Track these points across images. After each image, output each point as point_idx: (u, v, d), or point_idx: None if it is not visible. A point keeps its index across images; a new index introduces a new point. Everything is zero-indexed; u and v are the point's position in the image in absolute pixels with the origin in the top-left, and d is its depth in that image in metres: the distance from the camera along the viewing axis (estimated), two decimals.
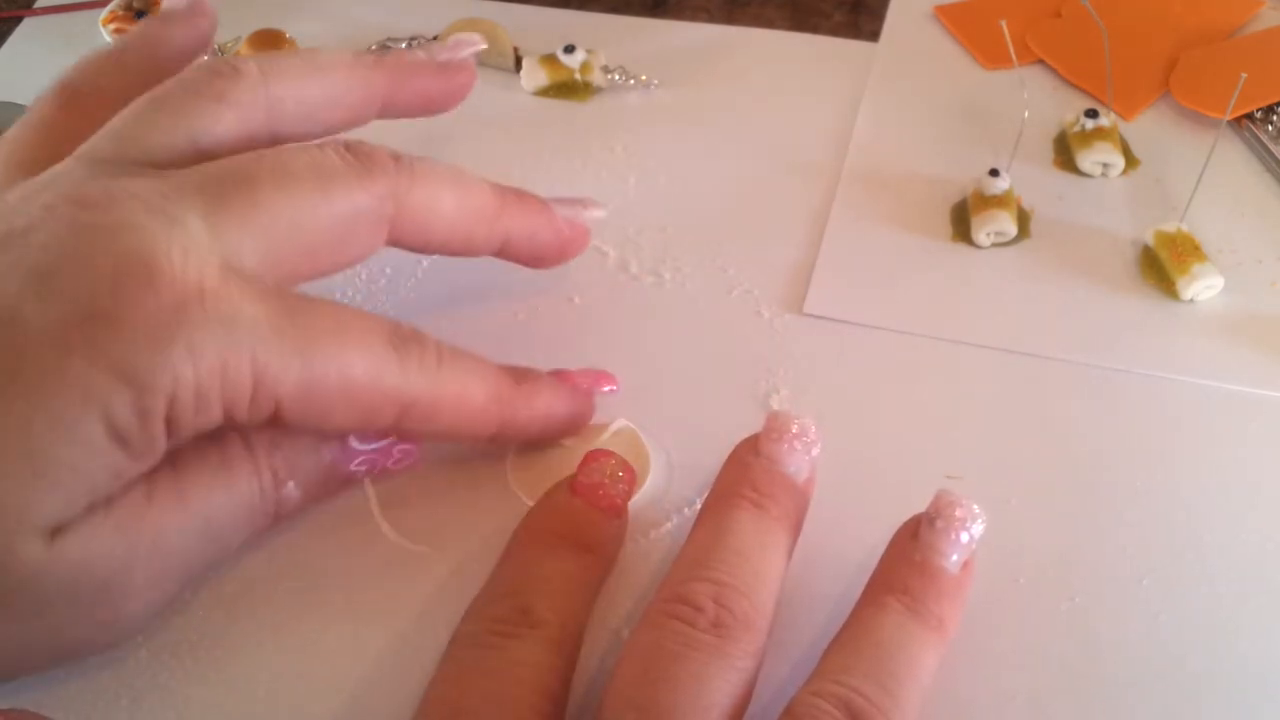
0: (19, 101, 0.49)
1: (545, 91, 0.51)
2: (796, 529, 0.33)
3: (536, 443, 0.37)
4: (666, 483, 0.37)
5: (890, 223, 0.45)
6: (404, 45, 0.53)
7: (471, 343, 0.40)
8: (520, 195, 0.38)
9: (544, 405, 0.36)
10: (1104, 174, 0.47)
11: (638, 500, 0.36)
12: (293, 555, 0.35)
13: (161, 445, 0.29)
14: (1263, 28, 0.54)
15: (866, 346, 0.41)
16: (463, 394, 0.33)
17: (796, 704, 0.28)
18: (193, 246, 0.30)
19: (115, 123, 0.33)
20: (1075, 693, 0.33)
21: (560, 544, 0.33)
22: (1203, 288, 0.42)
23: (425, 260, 0.43)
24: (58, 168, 0.32)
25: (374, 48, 0.52)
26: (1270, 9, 0.54)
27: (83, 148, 0.33)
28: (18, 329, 0.28)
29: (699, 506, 0.36)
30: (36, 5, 0.55)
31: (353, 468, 0.35)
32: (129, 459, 0.29)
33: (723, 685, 0.28)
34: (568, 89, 0.50)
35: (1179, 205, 0.46)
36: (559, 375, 0.37)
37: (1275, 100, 0.49)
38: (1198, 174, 0.44)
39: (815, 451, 0.33)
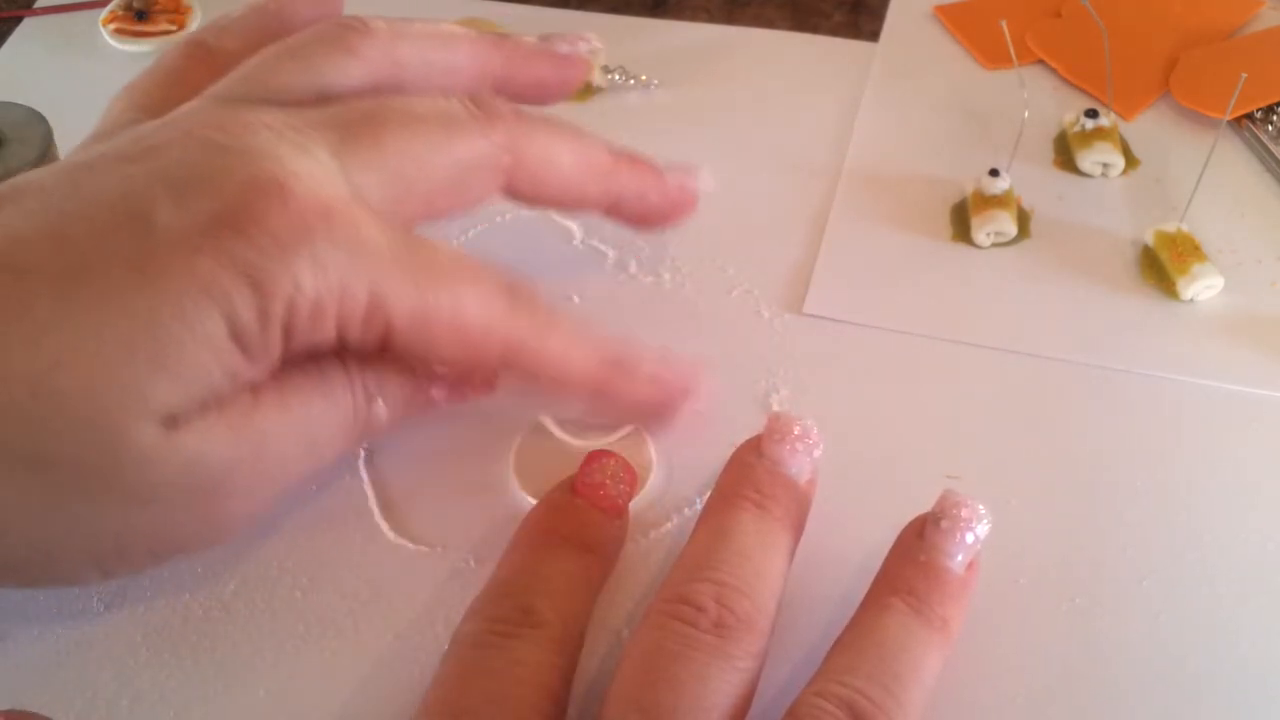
0: (19, 101, 0.49)
1: None
2: (799, 530, 0.33)
3: (622, 420, 0.37)
4: (666, 483, 0.37)
5: (890, 223, 0.45)
6: None
7: None
8: (634, 157, 0.39)
9: (641, 391, 0.36)
10: (1104, 174, 0.47)
11: (638, 503, 0.36)
12: (293, 555, 0.35)
13: (277, 352, 0.30)
14: (1263, 28, 0.54)
15: (866, 346, 0.41)
16: (568, 351, 0.34)
17: (799, 705, 0.28)
18: (321, 173, 0.31)
19: (245, 66, 0.35)
20: (1075, 693, 0.33)
21: (561, 544, 0.33)
22: (1203, 288, 0.42)
23: None
24: (187, 105, 0.33)
25: None
26: (1270, 9, 0.54)
27: (212, 88, 0.34)
28: (152, 228, 0.29)
29: (699, 507, 0.36)
30: (36, 5, 0.55)
31: (434, 392, 0.35)
32: (246, 360, 0.29)
33: (724, 686, 0.28)
34: None
35: (1179, 205, 0.46)
36: (661, 360, 0.37)
37: (1275, 100, 0.49)
38: (1198, 174, 0.44)
39: (817, 453, 0.33)
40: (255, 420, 0.31)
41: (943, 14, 0.55)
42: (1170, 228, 0.44)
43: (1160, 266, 0.43)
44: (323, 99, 0.34)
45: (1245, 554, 0.36)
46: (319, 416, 0.32)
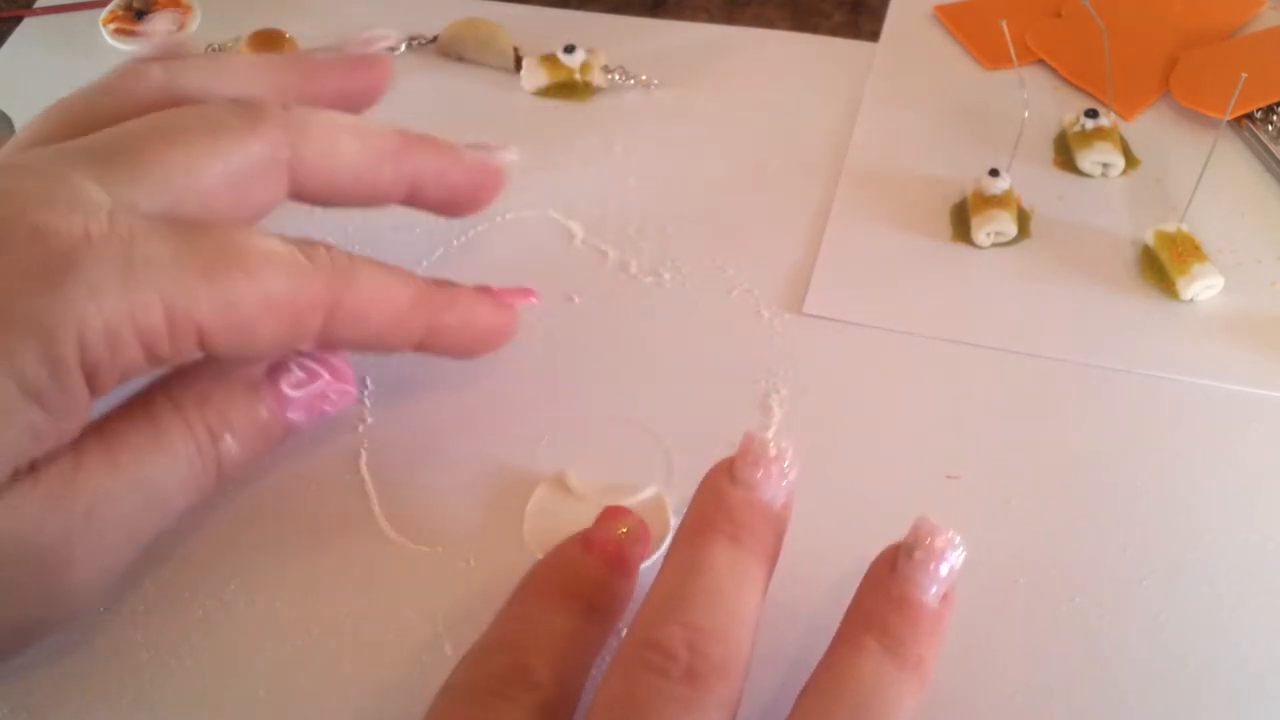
0: (18, 101, 0.49)
1: (545, 91, 0.51)
2: (773, 560, 0.31)
3: (462, 352, 0.36)
4: (666, 489, 0.37)
5: (890, 223, 0.45)
6: (403, 46, 0.53)
7: None
8: (425, 137, 0.37)
9: (466, 308, 0.35)
10: (1104, 174, 0.47)
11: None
12: (293, 555, 0.35)
13: (83, 398, 0.29)
14: (1263, 28, 0.53)
15: (866, 346, 0.41)
16: (385, 292, 0.33)
17: None
18: (79, 199, 0.29)
19: (30, 122, 0.34)
20: (1075, 693, 0.33)
21: (567, 601, 0.31)
22: (1203, 288, 0.42)
23: (425, 260, 0.43)
24: None
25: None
26: (1270, 9, 0.54)
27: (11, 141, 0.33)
28: None
29: None
30: (36, 5, 0.55)
31: (290, 415, 0.34)
32: (48, 417, 0.28)
33: None
34: (568, 89, 0.50)
35: (1179, 205, 0.46)
36: (480, 289, 0.37)
37: (1275, 100, 0.49)
38: (1198, 174, 0.44)
39: (793, 475, 0.32)
40: (79, 483, 0.29)
41: (943, 14, 0.55)
42: (1170, 228, 0.44)
43: (1160, 266, 0.43)
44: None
45: (1245, 554, 0.36)
46: (156, 469, 0.31)
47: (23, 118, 0.43)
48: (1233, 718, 0.32)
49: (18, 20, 0.54)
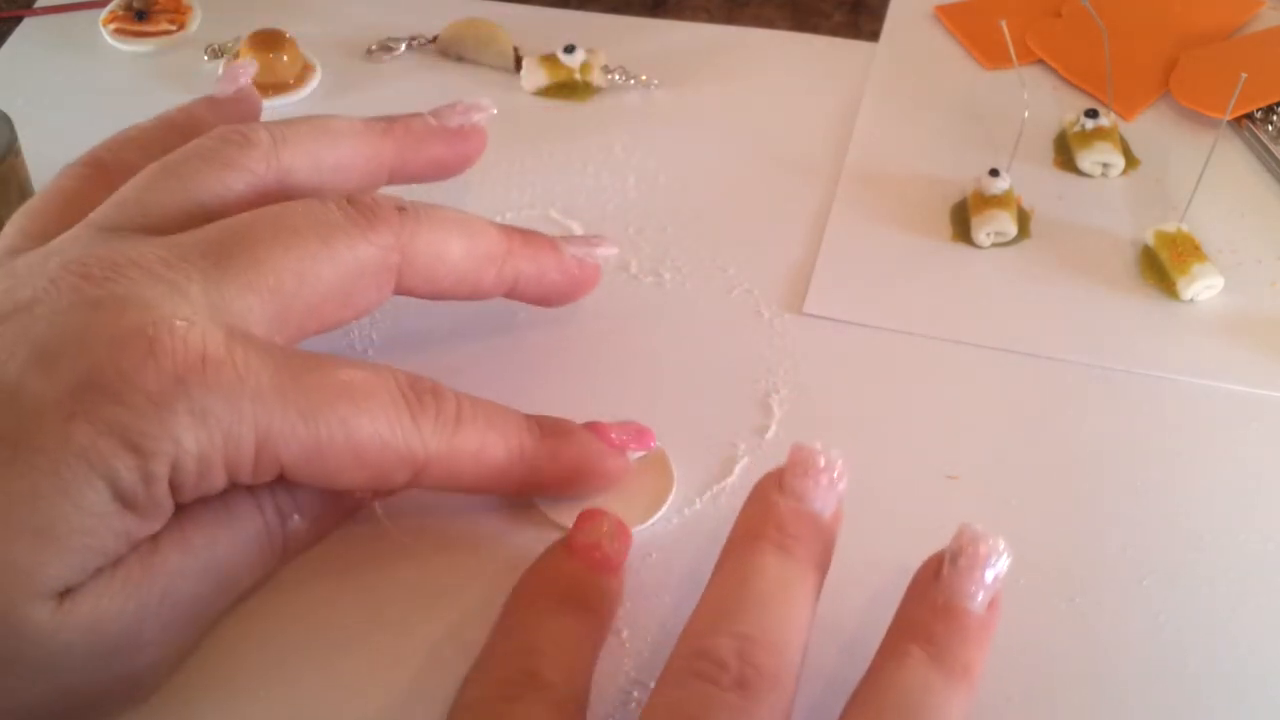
0: (18, 101, 0.49)
1: (545, 91, 0.51)
2: (823, 570, 0.31)
3: (567, 494, 0.36)
4: (667, 483, 0.37)
5: (890, 223, 0.45)
6: (403, 46, 0.53)
7: (472, 345, 0.41)
8: (528, 235, 0.38)
9: (572, 461, 0.35)
10: (1104, 174, 0.47)
11: (657, 522, 0.36)
12: (296, 557, 0.35)
13: (169, 507, 0.29)
14: (1263, 28, 0.54)
15: (866, 346, 0.41)
16: (482, 451, 0.33)
17: None
18: (196, 314, 0.30)
19: (124, 189, 0.34)
20: (1075, 692, 0.32)
21: (560, 604, 0.32)
22: (1203, 288, 0.42)
23: None
24: (65, 235, 0.33)
25: (374, 48, 0.52)
26: (1270, 9, 0.54)
27: (91, 215, 0.33)
28: (23, 401, 0.28)
29: (699, 507, 0.36)
30: (36, 5, 0.55)
31: (358, 494, 0.34)
32: (138, 521, 0.29)
33: None
34: (568, 89, 0.50)
35: (1179, 205, 0.46)
36: (594, 428, 0.36)
37: (1275, 100, 0.49)
38: (1198, 174, 0.44)
39: (842, 486, 0.32)
40: (155, 567, 0.30)
41: (943, 14, 0.55)
42: (1170, 228, 0.44)
43: (1160, 266, 0.43)
44: (206, 216, 0.33)
45: (1245, 554, 0.36)
46: (227, 549, 0.31)
47: (23, 118, 0.43)
48: (1233, 718, 0.32)
49: (18, 20, 0.54)
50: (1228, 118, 0.46)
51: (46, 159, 0.38)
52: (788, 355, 0.41)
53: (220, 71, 0.50)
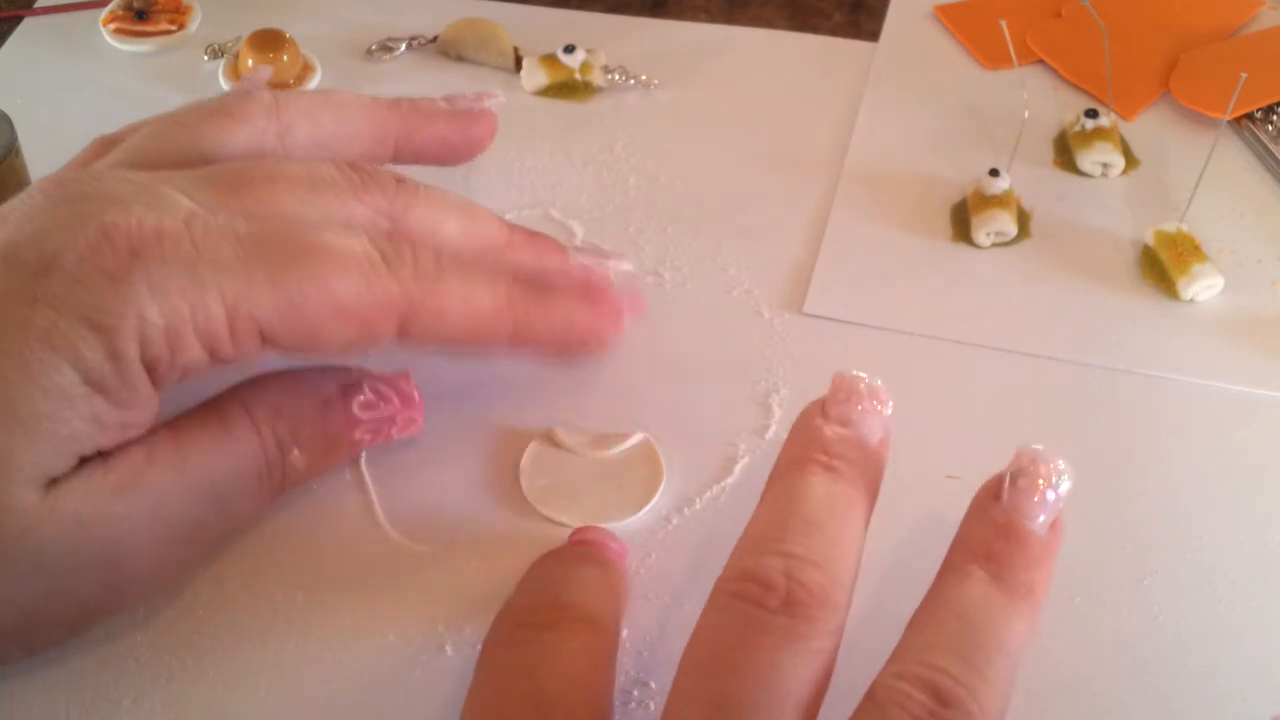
0: (18, 101, 0.49)
1: (545, 91, 0.51)
2: (873, 494, 0.30)
3: (555, 356, 0.36)
4: (667, 483, 0.37)
5: (890, 223, 0.45)
6: (403, 46, 0.53)
7: None
8: (532, 233, 0.38)
9: (561, 313, 0.34)
10: (1104, 174, 0.47)
11: (647, 512, 0.36)
12: (294, 555, 0.35)
13: (146, 390, 0.29)
14: (1263, 28, 0.54)
15: (866, 346, 0.41)
16: (467, 299, 0.32)
17: (877, 687, 0.26)
18: (159, 203, 0.30)
19: (130, 138, 0.34)
20: (1075, 693, 0.33)
21: (579, 561, 0.32)
22: (1203, 288, 0.42)
23: None
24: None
25: (374, 48, 0.52)
26: (1270, 9, 0.54)
27: (98, 162, 0.34)
28: None
29: (699, 507, 0.36)
30: (36, 5, 0.55)
31: (356, 435, 0.35)
32: (111, 405, 0.29)
33: (799, 671, 0.26)
34: (568, 89, 0.50)
35: (1179, 205, 0.46)
36: (582, 286, 0.35)
37: (1275, 100, 0.49)
38: (1198, 174, 0.44)
39: (888, 411, 0.31)
40: (148, 479, 0.30)
41: (943, 14, 0.55)
42: (1170, 228, 0.44)
43: (1160, 266, 0.43)
44: (202, 163, 0.33)
45: (1245, 554, 0.36)
46: (224, 472, 0.31)
47: (23, 118, 0.43)
48: (1233, 718, 0.32)
49: (18, 20, 0.54)
50: (1228, 118, 0.46)
51: (46, 159, 0.38)
52: (788, 355, 0.41)
53: (221, 70, 0.50)
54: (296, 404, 0.33)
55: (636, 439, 0.37)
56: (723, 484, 0.37)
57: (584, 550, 0.33)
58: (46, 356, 0.28)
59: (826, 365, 0.40)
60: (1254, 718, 0.32)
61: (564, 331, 0.35)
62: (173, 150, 0.33)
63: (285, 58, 0.50)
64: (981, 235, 0.44)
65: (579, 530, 0.34)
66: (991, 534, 0.29)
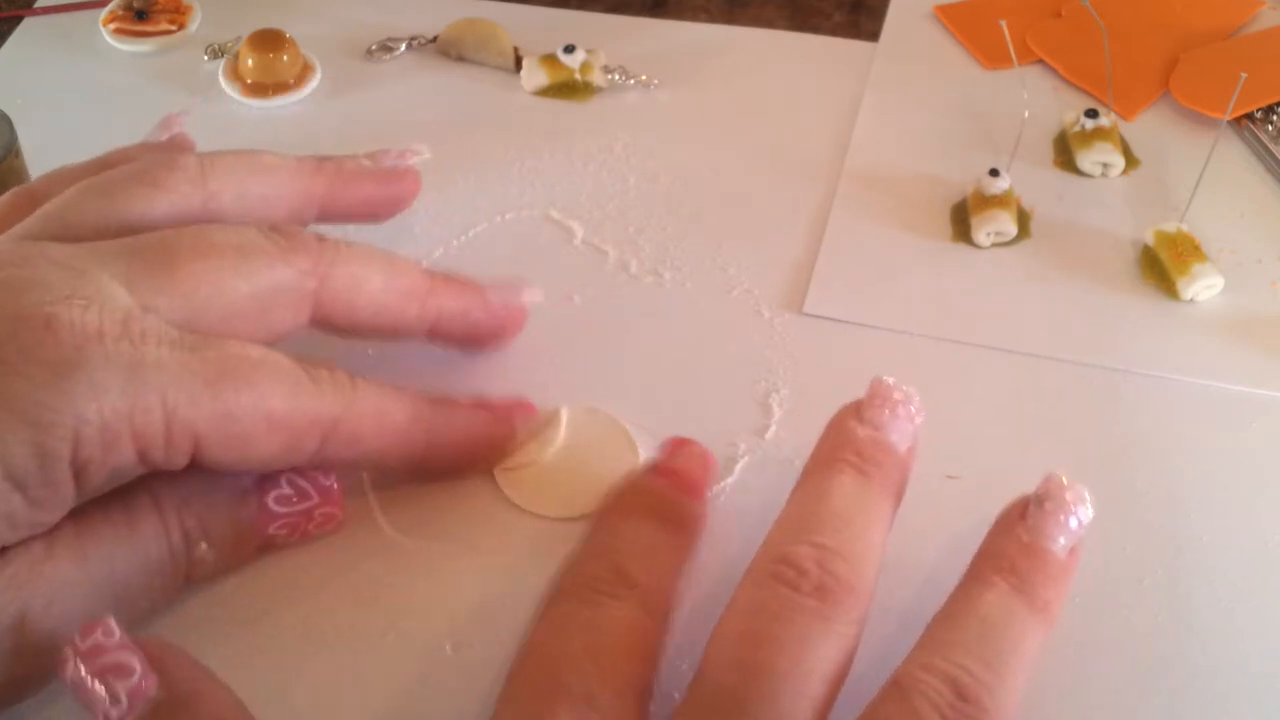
0: (18, 101, 0.49)
1: (545, 91, 0.51)
2: (898, 498, 0.32)
3: (463, 467, 0.36)
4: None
5: (890, 223, 0.45)
6: (403, 46, 0.53)
7: None
8: (451, 277, 0.38)
9: (464, 426, 0.36)
10: (1104, 174, 0.47)
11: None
12: (292, 554, 0.35)
13: (68, 492, 0.29)
14: (1263, 28, 0.54)
15: (866, 346, 0.41)
16: (383, 412, 0.33)
17: (903, 676, 0.28)
18: (97, 297, 0.30)
19: (49, 205, 0.34)
20: (1076, 692, 0.33)
21: (648, 517, 0.33)
22: (1203, 288, 0.42)
23: (424, 259, 0.43)
24: None
25: (374, 48, 0.52)
26: (1270, 9, 0.54)
27: (14, 228, 0.33)
28: None
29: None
30: (36, 5, 0.55)
31: (272, 530, 0.34)
32: (27, 505, 0.28)
33: (825, 650, 0.28)
34: (568, 89, 0.50)
35: (1179, 205, 0.46)
36: (478, 403, 0.37)
37: (1275, 100, 0.49)
38: (1198, 174, 0.44)
39: (919, 420, 0.33)
40: (45, 572, 0.29)
41: (943, 14, 0.55)
42: (1170, 228, 0.44)
43: (1160, 266, 0.43)
44: (126, 233, 0.33)
45: (1245, 554, 0.36)
46: (124, 565, 0.31)
47: (23, 118, 0.43)
48: (1233, 718, 0.32)
49: (18, 20, 0.54)
50: (1228, 118, 0.46)
51: (46, 159, 0.38)
52: (788, 355, 0.41)
53: (220, 70, 0.50)
54: (208, 497, 0.32)
55: (565, 412, 0.38)
56: (723, 484, 0.37)
57: (660, 500, 0.33)
58: None
59: (826, 365, 0.41)
60: (1254, 717, 0.32)
61: (467, 442, 0.36)
62: (96, 220, 0.33)
63: (285, 58, 0.50)
64: (981, 235, 0.44)
65: (674, 444, 0.35)
66: (1016, 550, 0.31)
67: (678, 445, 0.35)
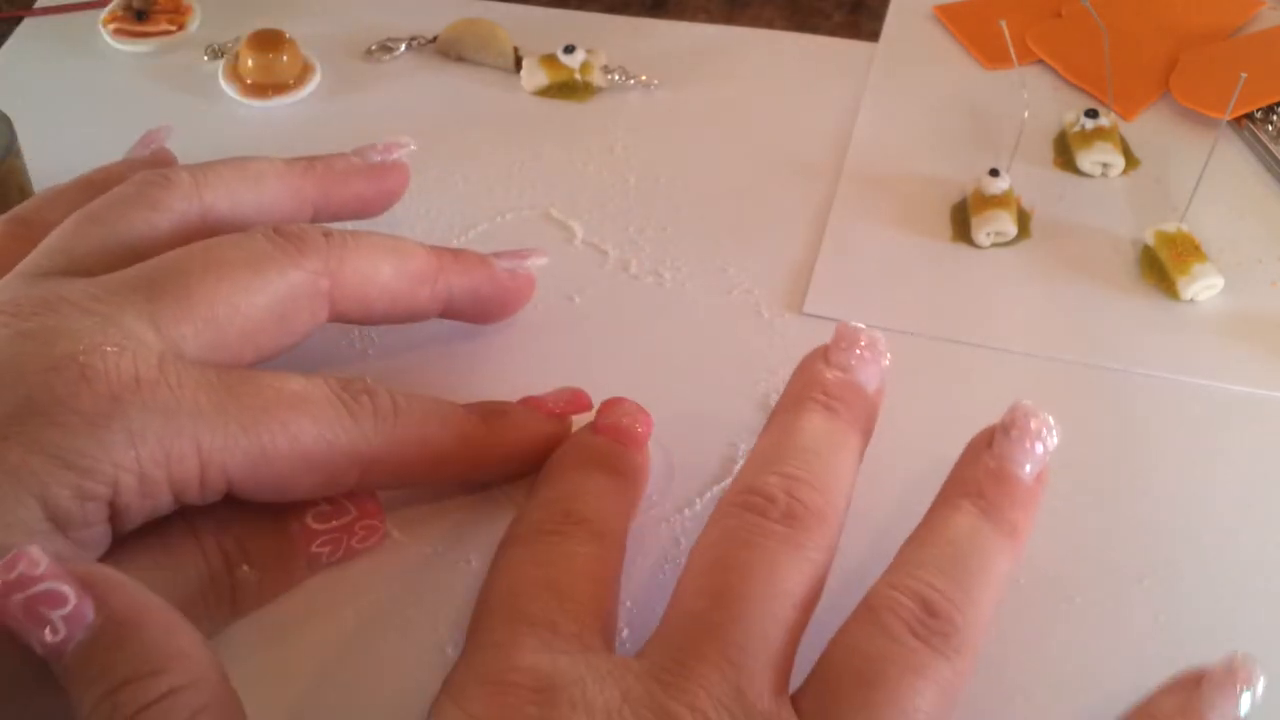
0: (18, 101, 0.49)
1: (545, 91, 0.51)
2: (867, 435, 0.33)
3: (516, 473, 0.36)
4: (667, 483, 0.37)
5: (890, 223, 0.45)
6: (403, 46, 0.53)
7: (471, 343, 0.41)
8: (458, 253, 0.38)
9: (515, 439, 0.35)
10: (1104, 174, 0.47)
11: (643, 514, 0.36)
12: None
13: (105, 535, 0.29)
14: (1263, 28, 0.54)
15: None
16: (425, 440, 0.33)
17: (873, 595, 0.29)
18: (127, 342, 0.30)
19: (49, 238, 0.34)
20: (1075, 692, 0.33)
21: (594, 467, 0.34)
22: (1203, 288, 0.42)
23: None
24: None
25: (374, 48, 0.52)
26: (1270, 9, 0.54)
27: (19, 266, 0.33)
28: None
29: (699, 507, 0.36)
30: (36, 5, 0.55)
31: (315, 548, 0.33)
32: (71, 546, 0.28)
33: (794, 574, 0.29)
34: (568, 89, 0.50)
35: (1179, 205, 0.46)
36: (530, 402, 0.36)
37: (1275, 100, 0.49)
38: (1198, 174, 0.44)
39: (885, 362, 0.34)
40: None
41: (943, 14, 0.55)
42: (1170, 228, 0.44)
43: (1160, 266, 0.43)
44: (135, 257, 0.33)
45: (1245, 554, 0.36)
46: (164, 594, 0.29)
47: (23, 118, 0.43)
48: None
49: (18, 20, 0.54)
50: (1228, 118, 0.46)
51: (46, 159, 0.39)
52: (788, 355, 0.41)
53: (220, 71, 0.50)
54: (246, 518, 0.32)
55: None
56: (722, 484, 0.37)
57: (600, 452, 0.34)
58: (12, 491, 0.27)
59: None
60: (1254, 718, 0.32)
61: (518, 453, 0.36)
62: (101, 249, 0.33)
63: (285, 58, 0.50)
64: (981, 235, 0.44)
65: (606, 405, 0.35)
66: (983, 476, 0.31)
67: (613, 403, 0.35)
